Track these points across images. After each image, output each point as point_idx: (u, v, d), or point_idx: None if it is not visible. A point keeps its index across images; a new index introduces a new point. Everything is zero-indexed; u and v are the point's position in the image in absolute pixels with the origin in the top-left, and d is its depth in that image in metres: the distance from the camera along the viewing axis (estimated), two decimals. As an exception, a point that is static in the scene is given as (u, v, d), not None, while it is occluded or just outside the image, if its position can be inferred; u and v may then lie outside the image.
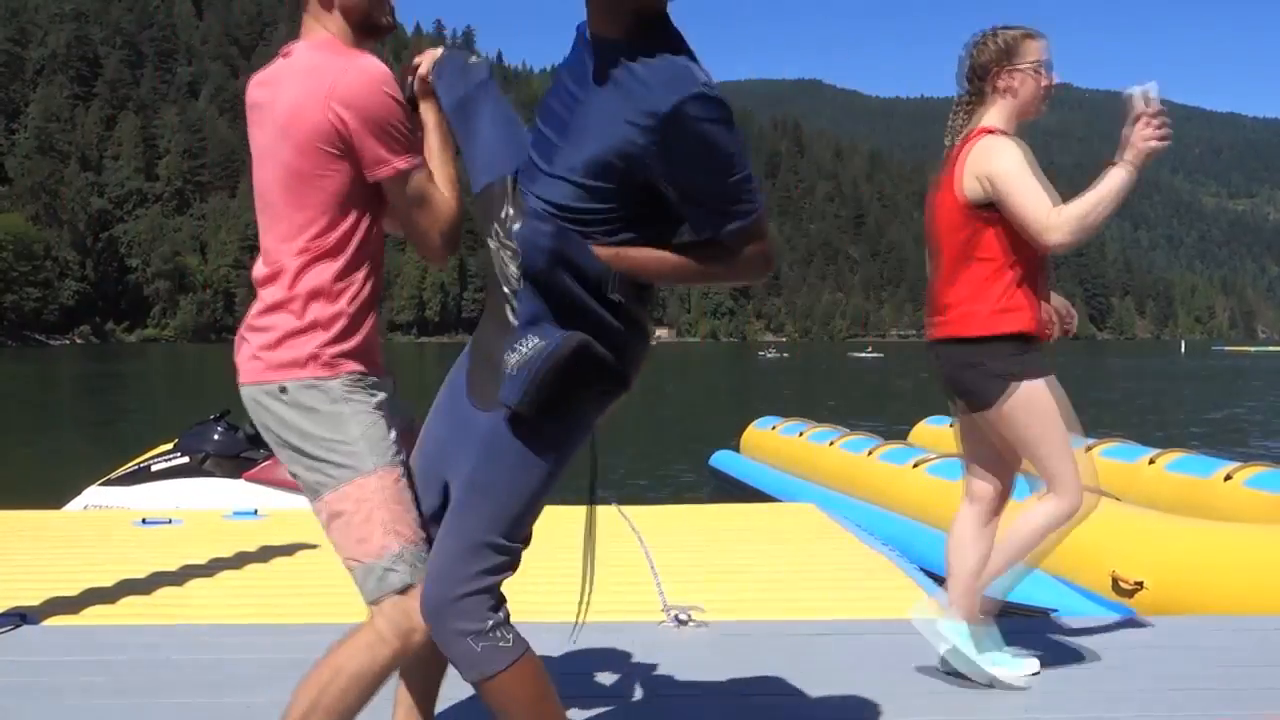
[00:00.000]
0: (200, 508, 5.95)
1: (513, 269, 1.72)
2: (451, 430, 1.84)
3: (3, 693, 2.63)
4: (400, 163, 1.78)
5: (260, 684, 2.69)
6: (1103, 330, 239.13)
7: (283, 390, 1.79)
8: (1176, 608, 4.03)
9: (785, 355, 74.27)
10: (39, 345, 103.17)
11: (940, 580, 4.55)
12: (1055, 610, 4.42)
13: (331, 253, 1.81)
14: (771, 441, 8.77)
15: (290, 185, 1.79)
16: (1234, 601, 3.86)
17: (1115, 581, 4.28)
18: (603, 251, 1.70)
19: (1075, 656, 2.96)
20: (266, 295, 1.82)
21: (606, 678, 2.74)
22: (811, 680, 2.72)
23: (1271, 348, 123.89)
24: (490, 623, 1.73)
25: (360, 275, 1.85)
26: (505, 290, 1.74)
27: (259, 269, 1.86)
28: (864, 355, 77.44)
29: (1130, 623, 3.83)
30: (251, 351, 1.83)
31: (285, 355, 1.80)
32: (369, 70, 1.74)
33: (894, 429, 9.71)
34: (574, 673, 2.68)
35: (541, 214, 1.70)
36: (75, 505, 6.22)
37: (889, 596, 3.93)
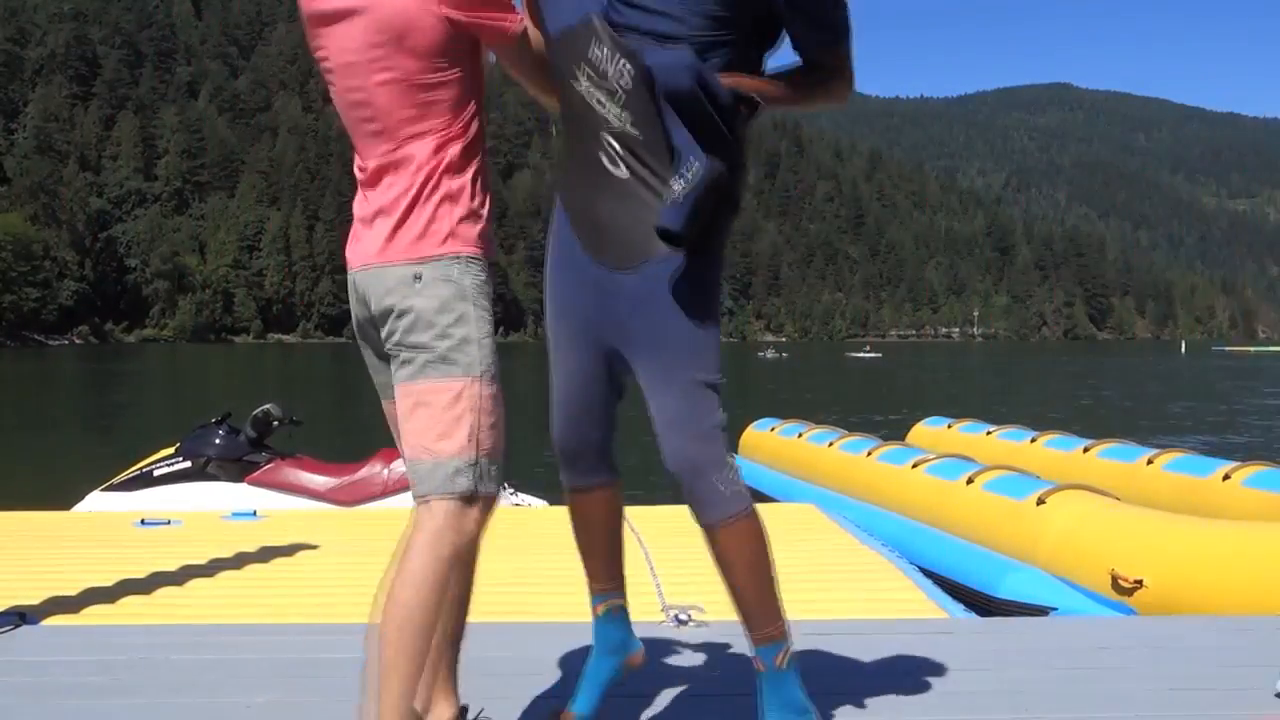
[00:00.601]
0: (203, 511, 5.95)
1: (611, 108, 1.76)
2: (598, 297, 1.87)
3: (3, 693, 2.63)
4: (514, 20, 1.84)
5: (260, 684, 2.69)
6: (1103, 330, 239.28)
7: (416, 275, 1.81)
8: (1177, 606, 4.03)
9: (784, 355, 74.27)
10: (38, 345, 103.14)
11: (940, 580, 4.56)
12: (1055, 609, 4.43)
13: (458, 137, 1.85)
14: (770, 443, 8.77)
15: (410, 91, 1.81)
16: (1234, 599, 3.86)
17: (1115, 580, 4.29)
18: (724, 77, 1.76)
19: (1075, 656, 2.96)
20: (392, 182, 1.84)
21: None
22: (811, 680, 2.72)
23: (1271, 348, 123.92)
24: (731, 462, 1.85)
25: (480, 159, 1.90)
26: (608, 138, 1.78)
27: (368, 166, 1.89)
28: (862, 355, 77.48)
29: (1130, 622, 3.84)
30: (380, 236, 1.84)
31: (420, 236, 1.82)
32: None
33: (894, 430, 9.71)
34: (574, 673, 2.67)
35: (666, 43, 1.73)
36: (78, 511, 6.21)
37: (889, 596, 3.93)
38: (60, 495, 6.79)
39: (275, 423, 6.38)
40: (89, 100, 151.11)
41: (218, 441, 6.30)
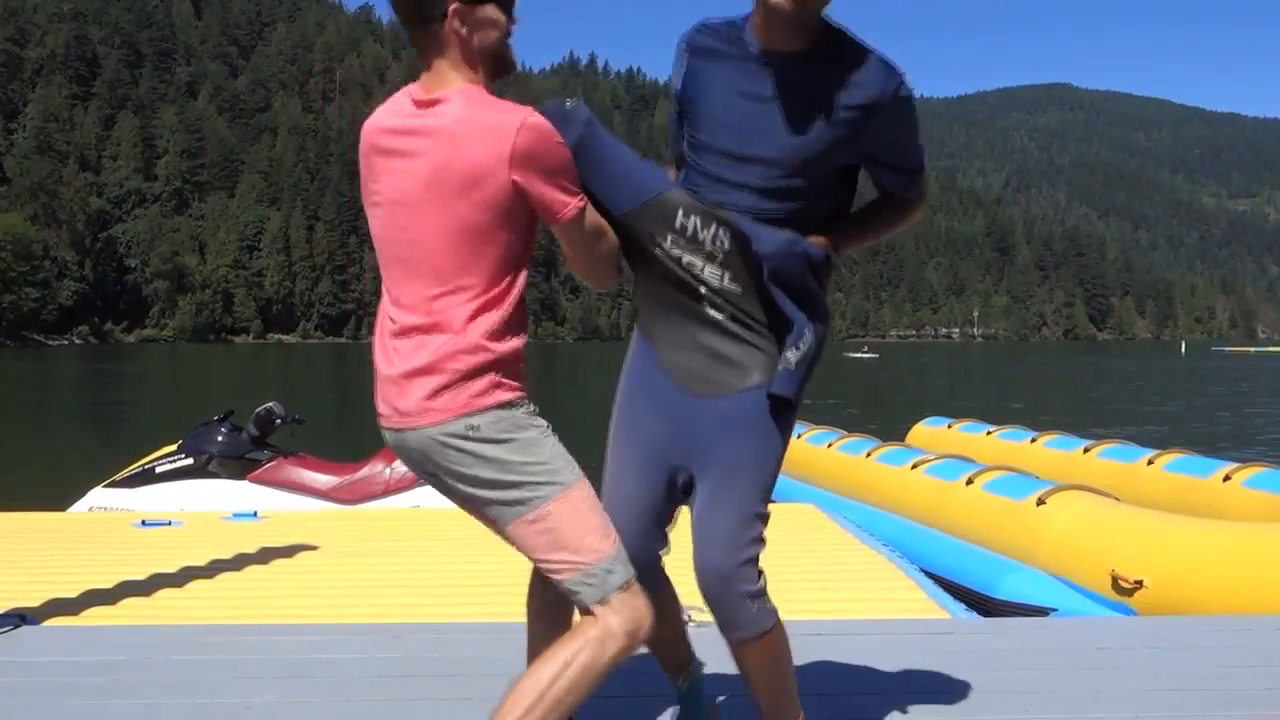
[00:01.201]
0: (205, 509, 5.95)
1: (708, 268, 1.89)
2: (675, 424, 1.98)
3: (3, 693, 2.63)
4: (578, 201, 1.85)
5: (260, 684, 2.69)
6: (1103, 330, 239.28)
7: (472, 427, 1.82)
8: (1177, 606, 4.03)
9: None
10: (37, 345, 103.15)
11: (940, 581, 4.56)
12: (1055, 609, 4.43)
13: (500, 298, 1.85)
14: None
15: (466, 240, 1.82)
16: (1234, 600, 3.86)
17: (1115, 580, 4.29)
18: (817, 240, 1.92)
19: (1075, 656, 2.96)
20: (432, 343, 1.83)
21: (610, 677, 2.73)
22: (812, 680, 2.72)
23: (1271, 348, 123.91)
24: (762, 583, 1.93)
25: (521, 313, 1.92)
26: (704, 290, 1.90)
27: (403, 317, 1.86)
28: (860, 355, 77.42)
29: (1130, 622, 3.84)
30: (422, 395, 1.83)
31: (467, 392, 1.82)
32: (540, 125, 1.80)
33: (893, 430, 9.71)
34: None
35: (763, 223, 1.88)
36: (79, 507, 6.22)
37: (889, 597, 3.93)
38: (60, 495, 6.79)
39: (277, 421, 6.38)
40: (89, 100, 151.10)
41: (220, 439, 6.31)
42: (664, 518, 2.08)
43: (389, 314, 1.91)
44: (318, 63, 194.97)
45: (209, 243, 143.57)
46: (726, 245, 1.89)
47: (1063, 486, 5.16)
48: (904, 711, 2.51)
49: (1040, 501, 4.98)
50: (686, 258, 1.91)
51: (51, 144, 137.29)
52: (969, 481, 5.59)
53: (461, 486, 1.87)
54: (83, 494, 6.35)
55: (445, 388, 1.82)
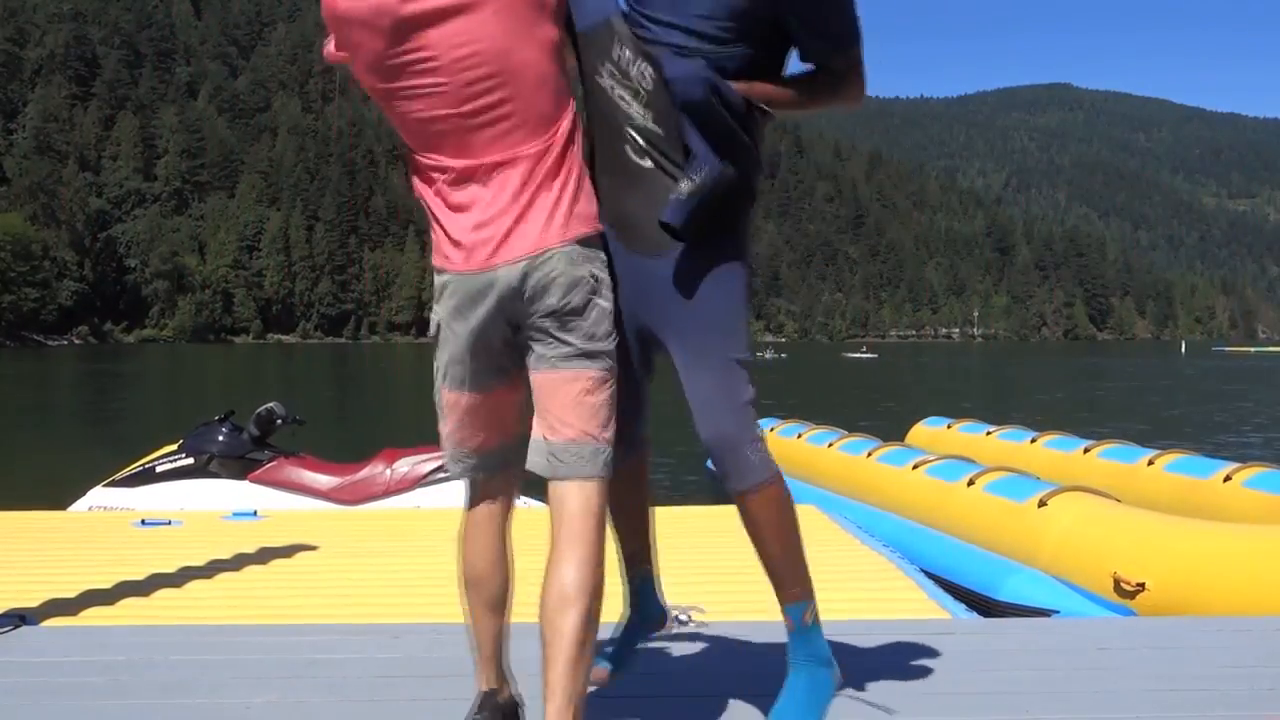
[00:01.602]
0: (205, 509, 5.95)
1: (635, 105, 1.89)
2: (632, 286, 1.97)
3: (3, 693, 2.62)
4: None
5: (260, 684, 2.69)
6: (1103, 330, 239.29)
7: (586, 263, 1.86)
8: (1179, 609, 4.03)
9: (782, 356, 74.16)
10: (37, 345, 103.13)
11: (941, 583, 4.55)
12: (1057, 611, 4.43)
13: (576, 117, 1.89)
14: (770, 443, 8.74)
15: (556, 61, 1.84)
16: (1237, 603, 3.86)
17: (1117, 583, 4.28)
18: (737, 85, 1.89)
19: (1075, 657, 2.96)
20: (531, 170, 1.83)
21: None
22: (812, 681, 2.72)
23: (1271, 348, 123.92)
24: (760, 430, 1.99)
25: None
26: (631, 131, 1.90)
27: (494, 156, 1.84)
28: (858, 355, 77.41)
29: (1129, 623, 3.83)
30: (540, 217, 1.84)
31: (571, 211, 1.85)
32: None
33: (892, 430, 9.71)
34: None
35: (682, 53, 1.86)
36: (79, 506, 6.22)
37: (889, 597, 3.93)
38: (60, 495, 6.79)
39: (278, 421, 6.38)
40: (88, 100, 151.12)
41: (221, 439, 6.31)
42: (641, 381, 2.09)
43: (451, 164, 1.86)
44: (317, 63, 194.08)
45: (209, 243, 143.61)
46: (648, 83, 1.90)
47: (1064, 488, 5.16)
48: (904, 711, 2.51)
49: (1042, 503, 4.98)
50: (619, 90, 1.91)
51: (51, 144, 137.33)
52: (970, 482, 5.59)
53: (545, 310, 1.85)
54: (83, 493, 6.35)
55: (556, 208, 1.84)
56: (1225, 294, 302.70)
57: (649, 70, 1.89)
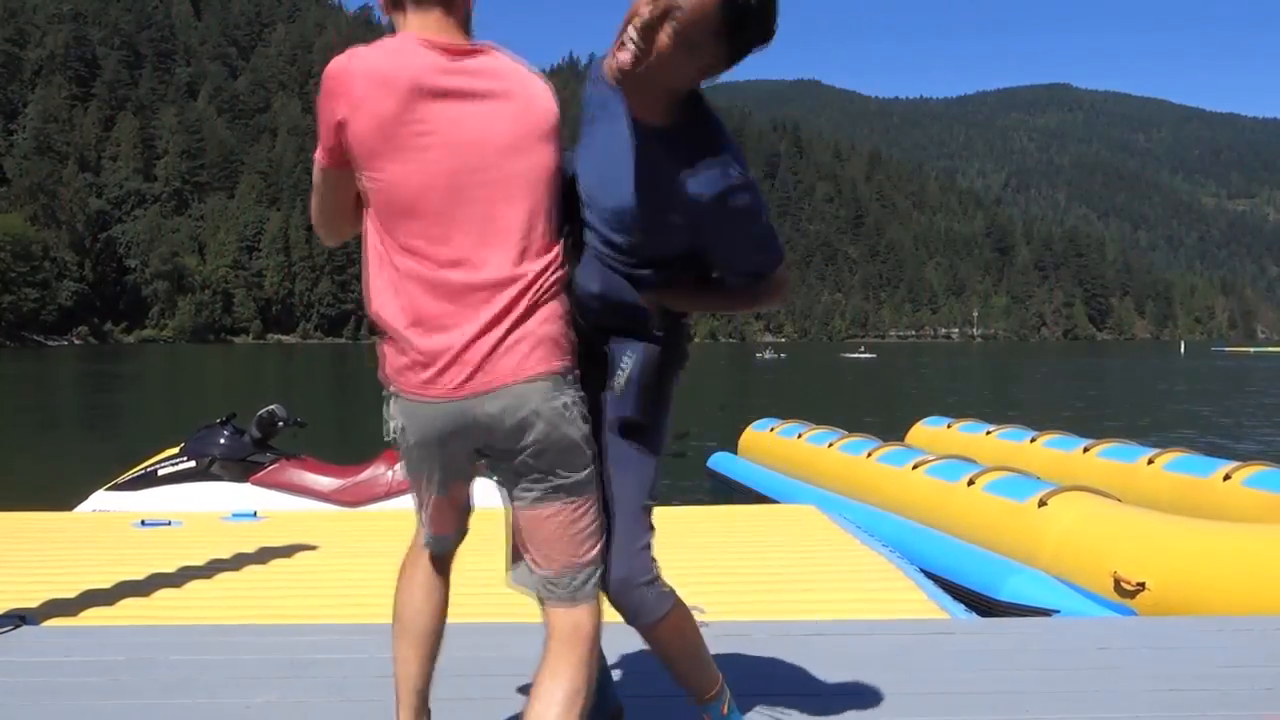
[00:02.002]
0: (207, 511, 5.95)
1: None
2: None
3: (3, 693, 2.62)
4: None
5: (259, 684, 2.69)
6: (1102, 330, 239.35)
7: (569, 383, 1.84)
8: (1180, 609, 4.02)
9: (782, 356, 74.15)
10: (37, 346, 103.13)
11: (941, 583, 4.55)
12: (1058, 611, 4.42)
13: (559, 256, 1.87)
14: (770, 443, 8.77)
15: (549, 186, 1.84)
16: (1238, 603, 3.86)
17: (1117, 583, 4.28)
18: (645, 297, 1.93)
19: (1075, 657, 2.96)
20: (514, 294, 1.78)
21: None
22: (812, 680, 2.72)
23: (1271, 348, 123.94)
24: (656, 570, 2.03)
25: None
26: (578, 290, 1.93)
27: (476, 275, 1.77)
28: (857, 356, 77.36)
29: (1129, 623, 3.83)
30: (529, 347, 1.79)
31: (559, 350, 1.83)
32: None
33: (892, 430, 9.71)
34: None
35: (597, 256, 1.91)
36: (83, 510, 6.22)
37: (889, 597, 3.93)
38: (61, 496, 6.79)
39: (280, 423, 6.38)
40: (88, 101, 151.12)
41: (222, 442, 6.31)
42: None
43: (446, 273, 1.76)
44: (317, 63, 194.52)
45: (208, 243, 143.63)
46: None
47: (1064, 488, 5.15)
48: (904, 712, 2.51)
49: (1042, 503, 4.98)
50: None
51: (51, 145, 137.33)
52: (970, 482, 5.59)
53: (528, 448, 1.80)
54: (85, 497, 6.35)
55: (540, 343, 1.80)
56: (1224, 294, 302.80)
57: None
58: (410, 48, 1.77)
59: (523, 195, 1.80)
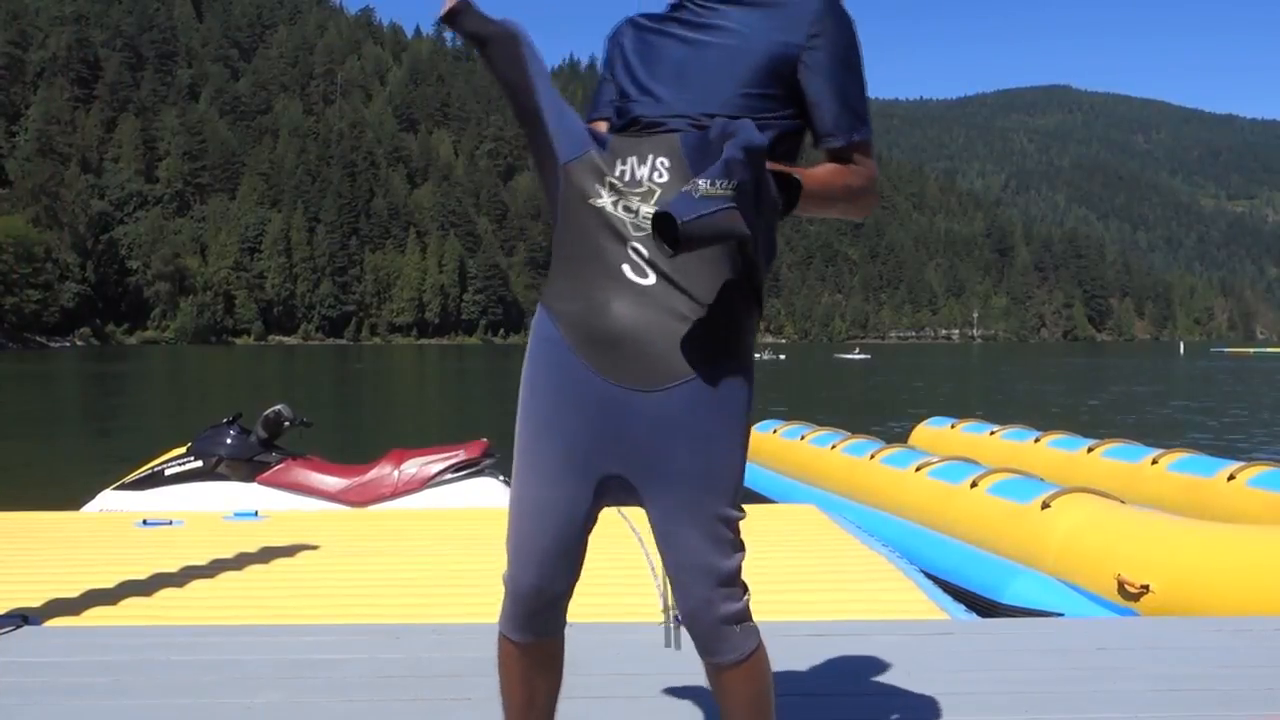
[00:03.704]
0: (213, 511, 5.95)
1: (644, 208, 1.62)
2: (601, 419, 1.64)
3: (4, 693, 2.63)
4: None
5: (260, 684, 2.69)
6: (1102, 331, 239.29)
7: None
8: (1184, 611, 4.02)
9: (781, 357, 74.09)
10: (39, 347, 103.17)
11: (944, 585, 4.55)
12: (1061, 614, 4.42)
13: None
14: (772, 445, 8.76)
15: None
16: (1242, 606, 3.85)
17: (1121, 585, 4.28)
18: (776, 166, 1.65)
19: (1075, 657, 2.96)
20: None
21: (607, 678, 2.74)
22: (812, 681, 2.72)
23: (1270, 349, 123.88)
24: (745, 600, 1.68)
25: None
26: (632, 243, 1.61)
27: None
28: (852, 357, 77.25)
29: (1129, 623, 3.83)
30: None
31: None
32: None
33: (891, 430, 9.71)
34: (574, 674, 2.67)
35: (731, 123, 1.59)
36: (89, 510, 6.23)
37: (890, 598, 3.93)
38: (64, 496, 6.80)
39: (286, 423, 6.39)
40: (90, 103, 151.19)
41: (229, 441, 6.32)
42: (584, 538, 1.73)
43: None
44: (318, 65, 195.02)
45: (210, 245, 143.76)
46: (664, 175, 1.63)
47: (1068, 489, 5.14)
48: (904, 712, 2.51)
49: (1045, 505, 4.97)
50: (622, 203, 1.64)
51: (53, 146, 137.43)
52: (973, 484, 5.58)
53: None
54: (92, 497, 6.36)
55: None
56: (1224, 295, 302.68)
57: (664, 162, 1.63)
58: None
59: None
